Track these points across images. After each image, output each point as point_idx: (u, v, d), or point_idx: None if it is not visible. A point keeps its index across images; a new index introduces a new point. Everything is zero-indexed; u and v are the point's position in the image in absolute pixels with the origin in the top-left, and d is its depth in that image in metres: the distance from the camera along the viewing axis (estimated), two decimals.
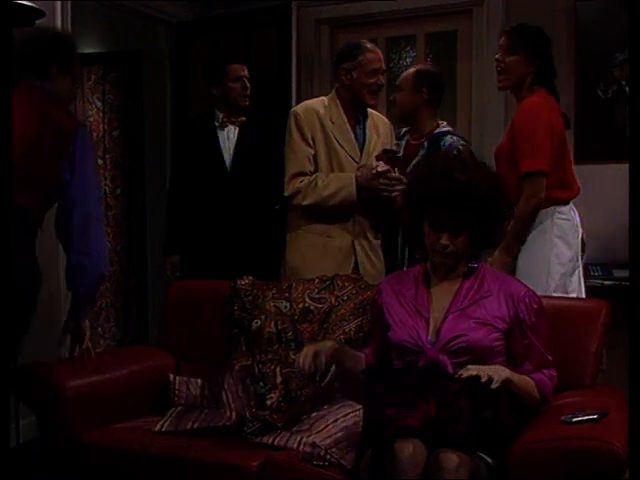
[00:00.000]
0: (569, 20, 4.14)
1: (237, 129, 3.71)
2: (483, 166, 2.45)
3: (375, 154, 3.24)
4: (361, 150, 3.29)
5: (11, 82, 2.25)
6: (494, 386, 2.07)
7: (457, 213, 2.25)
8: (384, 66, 3.36)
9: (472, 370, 2.09)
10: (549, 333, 2.34)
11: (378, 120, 3.41)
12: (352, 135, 3.27)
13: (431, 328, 2.31)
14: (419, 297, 2.38)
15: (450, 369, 2.17)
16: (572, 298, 2.75)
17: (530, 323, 2.29)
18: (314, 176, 3.22)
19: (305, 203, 3.23)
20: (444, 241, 2.27)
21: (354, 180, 3.16)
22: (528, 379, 2.25)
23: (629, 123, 3.81)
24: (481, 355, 2.22)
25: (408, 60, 4.75)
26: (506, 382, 2.13)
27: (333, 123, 3.25)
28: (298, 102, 4.66)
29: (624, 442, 1.97)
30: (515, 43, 3.07)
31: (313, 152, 3.23)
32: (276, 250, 3.65)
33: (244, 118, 3.71)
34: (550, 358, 2.31)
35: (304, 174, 3.24)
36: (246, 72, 3.71)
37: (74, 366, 2.83)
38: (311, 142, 3.24)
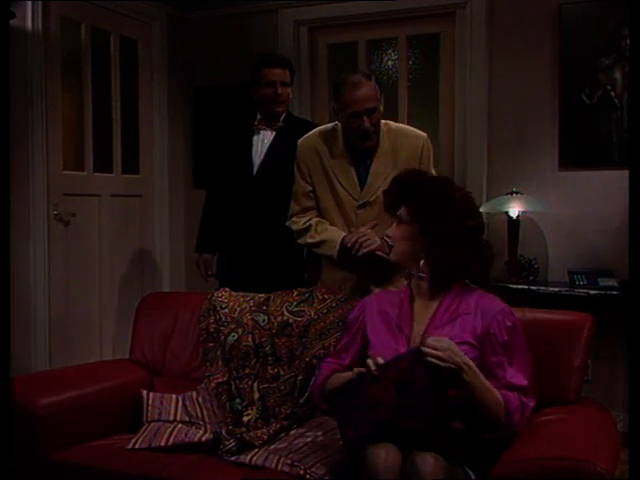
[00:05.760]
0: (554, 24, 4.09)
1: (274, 134, 3.62)
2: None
3: (384, 187, 2.78)
4: (362, 186, 3.01)
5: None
6: (432, 356, 2.03)
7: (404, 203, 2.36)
8: (373, 104, 2.89)
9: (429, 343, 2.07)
10: (528, 356, 2.24)
11: (403, 141, 3.03)
12: (352, 171, 3.01)
13: (411, 346, 2.25)
14: (402, 315, 2.35)
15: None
16: (555, 312, 2.69)
17: (502, 340, 2.21)
18: (311, 220, 3.08)
19: (298, 241, 3.16)
20: (388, 231, 2.41)
21: (339, 241, 2.94)
22: (496, 391, 2.14)
23: (629, 128, 3.82)
24: (456, 374, 2.11)
25: (389, 63, 4.70)
26: (462, 369, 2.06)
27: (333, 158, 3.02)
28: None
29: (607, 462, 1.94)
30: None
31: (310, 189, 3.08)
32: (299, 256, 3.63)
33: (281, 124, 3.62)
34: (525, 383, 2.19)
35: (302, 212, 3.11)
36: (284, 76, 3.57)
37: (45, 382, 2.76)
38: (308, 179, 3.08)
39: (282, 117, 3.64)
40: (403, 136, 3.05)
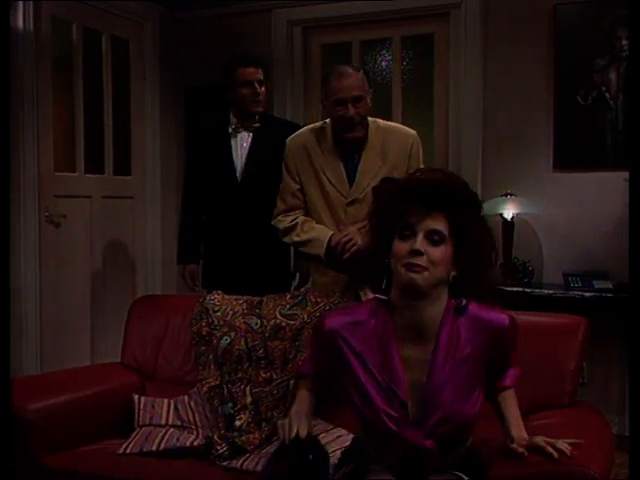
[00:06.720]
0: (549, 24, 4.08)
1: (251, 136, 3.57)
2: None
3: (373, 184, 2.70)
4: (351, 183, 2.98)
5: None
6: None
7: (434, 212, 1.91)
8: (358, 92, 2.88)
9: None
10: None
11: (392, 139, 3.00)
12: (341, 167, 2.98)
13: (410, 407, 1.95)
14: (394, 369, 1.95)
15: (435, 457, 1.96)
16: (550, 314, 2.67)
17: (506, 356, 2.05)
18: (297, 218, 3.04)
19: (283, 240, 3.12)
20: (417, 245, 1.87)
21: (327, 239, 2.90)
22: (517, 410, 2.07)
23: (628, 129, 3.81)
24: (466, 425, 2.00)
25: (383, 63, 4.69)
26: None
27: (322, 154, 3.00)
28: (269, 106, 4.60)
29: (601, 465, 1.92)
30: None
31: (298, 187, 3.04)
32: (286, 260, 3.61)
33: (258, 124, 3.57)
34: (516, 371, 2.10)
35: (288, 210, 3.08)
36: (259, 75, 3.53)
37: (35, 386, 2.73)
38: (297, 177, 3.04)
39: (257, 117, 3.59)
40: (391, 133, 3.04)
